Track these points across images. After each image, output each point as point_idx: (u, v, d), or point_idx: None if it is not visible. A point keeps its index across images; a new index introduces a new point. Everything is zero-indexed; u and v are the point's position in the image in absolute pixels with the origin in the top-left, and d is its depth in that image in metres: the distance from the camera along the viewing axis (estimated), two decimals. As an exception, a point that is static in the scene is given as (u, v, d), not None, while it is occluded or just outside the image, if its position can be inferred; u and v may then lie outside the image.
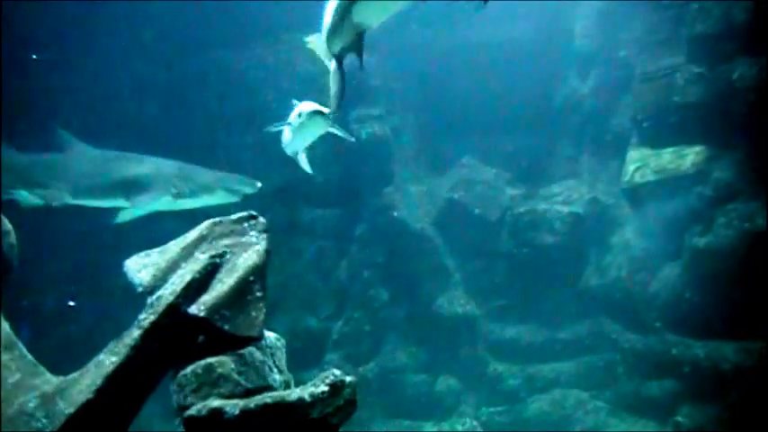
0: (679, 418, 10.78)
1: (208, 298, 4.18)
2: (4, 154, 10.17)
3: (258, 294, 4.25)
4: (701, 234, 11.03)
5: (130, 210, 10.55)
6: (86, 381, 4.09)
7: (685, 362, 11.01)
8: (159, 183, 10.34)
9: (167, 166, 10.60)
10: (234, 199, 10.51)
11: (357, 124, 13.16)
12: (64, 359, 4.57)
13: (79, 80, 13.03)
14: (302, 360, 10.91)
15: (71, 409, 3.99)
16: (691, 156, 11.49)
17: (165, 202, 10.43)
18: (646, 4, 12.73)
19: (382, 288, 12.73)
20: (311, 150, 9.67)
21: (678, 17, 12.21)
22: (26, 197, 10.16)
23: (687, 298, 11.16)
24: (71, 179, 10.41)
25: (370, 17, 6.23)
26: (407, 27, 14.08)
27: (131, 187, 10.32)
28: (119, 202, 10.40)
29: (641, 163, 11.93)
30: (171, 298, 4.18)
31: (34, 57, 12.25)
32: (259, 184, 10.60)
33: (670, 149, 11.75)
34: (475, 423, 12.01)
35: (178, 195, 10.34)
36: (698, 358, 10.86)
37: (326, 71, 7.36)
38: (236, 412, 3.83)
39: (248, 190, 10.53)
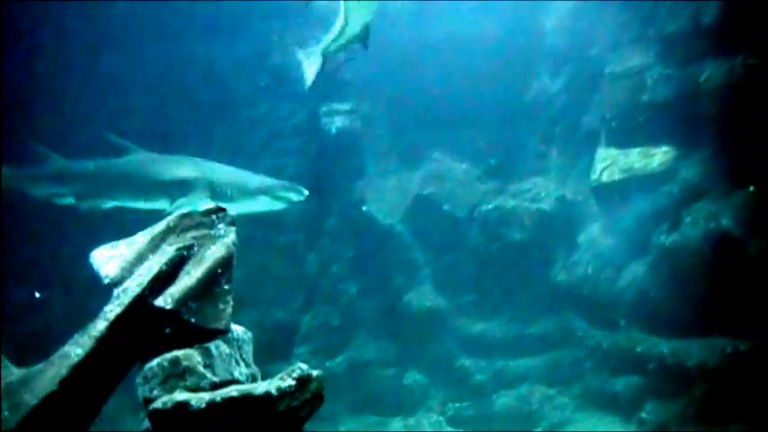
0: (644, 415, 10.89)
1: (175, 290, 4.16)
2: (53, 163, 10.76)
3: (226, 287, 4.24)
4: (667, 233, 11.14)
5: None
6: (51, 372, 4.04)
7: (651, 358, 11.12)
8: (200, 187, 10.31)
9: (212, 169, 10.58)
10: (279, 206, 10.50)
11: (327, 118, 13.17)
12: (30, 351, 4.54)
13: (49, 72, 12.91)
14: (270, 354, 10.85)
15: (34, 401, 3.94)
16: (658, 155, 11.60)
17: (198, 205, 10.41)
18: (617, 3, 12.85)
19: (351, 282, 12.74)
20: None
21: (649, 17, 12.34)
22: (74, 203, 10.60)
23: (653, 296, 11.28)
24: (117, 183, 10.62)
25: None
26: (379, 21, 14.08)
27: (173, 190, 10.33)
28: (161, 205, 10.36)
29: (609, 162, 12.04)
30: (137, 290, 4.16)
31: None
32: (306, 192, 10.52)
33: (638, 149, 11.87)
34: (441, 418, 12.06)
35: (218, 200, 10.17)
36: (663, 355, 10.98)
37: None
38: (202, 405, 3.81)
39: (294, 197, 10.49)
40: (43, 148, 11.19)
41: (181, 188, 10.29)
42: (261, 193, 10.41)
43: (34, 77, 12.59)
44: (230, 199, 10.30)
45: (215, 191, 10.26)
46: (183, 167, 10.58)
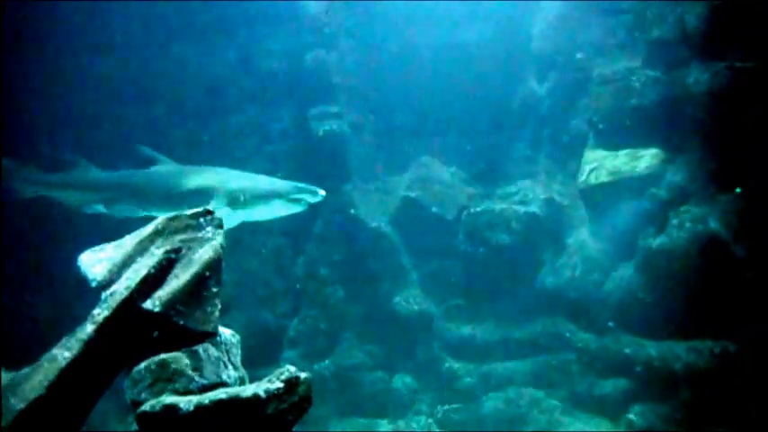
0: (632, 417, 10.91)
1: (163, 293, 4.16)
2: (83, 170, 11.03)
3: (214, 290, 4.25)
4: (654, 235, 11.19)
5: (231, 216, 10.54)
6: (38, 376, 4.03)
7: (638, 361, 11.16)
8: (218, 196, 10.28)
9: (232, 178, 10.54)
10: (297, 209, 10.40)
11: (316, 121, 13.17)
12: (17, 355, 4.52)
13: (34, 76, 12.87)
14: (258, 358, 10.82)
15: (22, 405, 3.93)
16: (645, 158, 11.64)
17: (224, 215, 10.39)
18: (603, 8, 12.90)
19: (339, 286, 12.72)
20: None
21: (635, 22, 12.40)
22: (102, 212, 10.71)
23: (640, 298, 11.31)
24: (142, 193, 10.71)
25: None
26: (368, 26, 14.12)
27: (193, 200, 10.19)
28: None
29: (597, 164, 12.07)
30: (125, 293, 4.16)
31: None
32: (322, 192, 10.42)
33: (625, 151, 11.91)
34: (430, 421, 12.05)
35: (236, 208, 10.27)
36: (650, 357, 11.02)
37: None
38: (191, 408, 3.81)
39: (310, 198, 10.38)
40: (74, 155, 11.39)
41: (200, 198, 10.29)
42: (275, 198, 10.32)
43: (21, 79, 12.56)
44: (246, 206, 10.30)
45: (232, 199, 10.25)
46: (203, 177, 10.62)
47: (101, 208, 10.79)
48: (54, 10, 12.59)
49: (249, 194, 10.28)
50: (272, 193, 10.35)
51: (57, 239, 11.67)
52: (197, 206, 10.04)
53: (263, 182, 10.58)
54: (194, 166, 11.08)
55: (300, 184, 10.51)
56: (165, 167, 10.99)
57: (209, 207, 9.78)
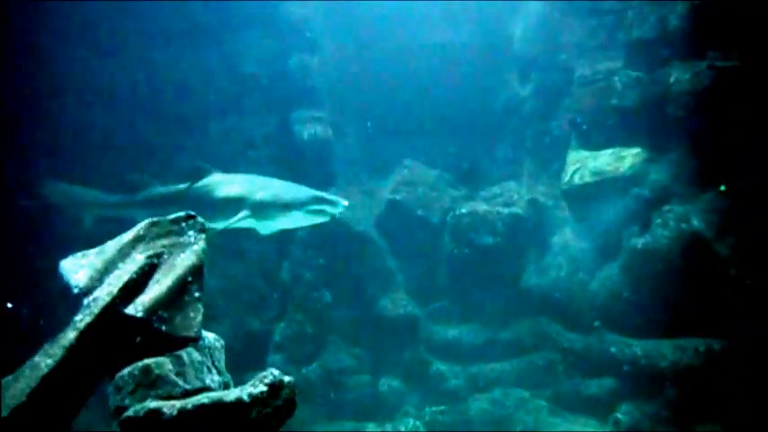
0: (619, 416, 10.93)
1: (145, 298, 4.15)
2: (151, 191, 11.23)
3: (196, 295, 4.23)
4: (638, 235, 11.25)
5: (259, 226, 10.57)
6: (20, 384, 4.01)
7: (624, 360, 11.20)
8: (244, 206, 10.25)
9: (258, 187, 10.48)
10: (319, 219, 10.31)
11: (299, 125, 13.16)
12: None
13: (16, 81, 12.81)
14: (244, 362, 10.80)
15: (4, 413, 3.91)
16: (628, 158, 11.69)
17: (251, 224, 10.47)
18: (584, 9, 12.94)
19: (325, 290, 12.70)
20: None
21: (616, 23, 12.46)
22: None
23: (625, 297, 11.36)
24: (190, 206, 10.52)
25: None
26: (350, 29, 14.13)
27: (224, 210, 10.32)
28: (217, 224, 10.38)
29: (580, 165, 12.11)
30: (107, 299, 4.14)
31: None
32: (345, 202, 10.31)
33: (608, 151, 11.96)
34: (418, 423, 12.03)
35: (258, 218, 10.29)
36: (636, 356, 11.06)
37: None
38: (174, 413, 3.80)
39: (331, 209, 10.24)
40: (141, 175, 11.59)
41: (230, 208, 10.33)
42: (294, 209, 10.21)
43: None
44: (268, 217, 10.31)
45: (255, 209, 10.24)
46: (234, 188, 10.58)
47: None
48: (33, 15, 12.53)
49: (270, 206, 10.25)
50: (293, 205, 10.23)
51: (38, 246, 11.59)
52: (229, 217, 10.17)
53: (287, 192, 10.43)
54: (235, 174, 11.05)
55: (322, 195, 10.41)
56: (212, 178, 10.97)
57: (233, 219, 10.00)
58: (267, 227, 10.61)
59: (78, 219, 11.54)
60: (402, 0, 13.75)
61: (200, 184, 10.93)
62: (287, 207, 10.23)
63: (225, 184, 10.74)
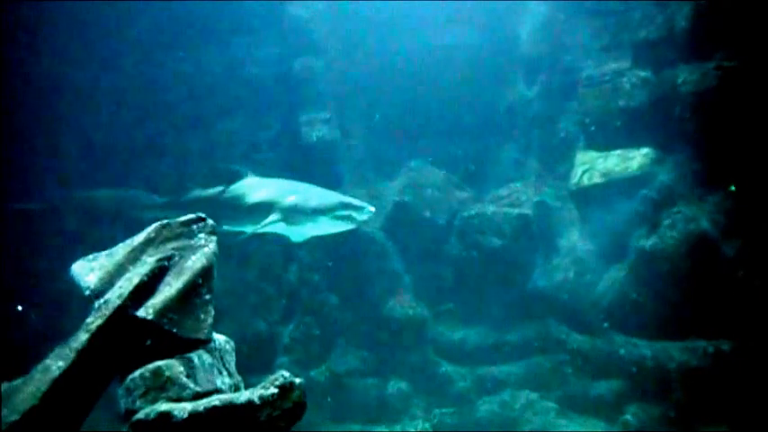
0: (627, 417, 10.90)
1: (156, 301, 4.15)
2: (192, 192, 11.56)
3: (206, 297, 4.23)
4: (646, 236, 11.21)
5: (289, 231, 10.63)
6: (31, 387, 4.01)
7: (632, 362, 11.17)
8: (275, 211, 10.29)
9: (289, 192, 10.49)
10: (346, 226, 10.28)
11: (306, 127, 13.18)
12: (8, 366, 4.49)
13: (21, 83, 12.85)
14: (253, 365, 10.79)
15: (15, 417, 3.91)
16: (637, 159, 11.67)
17: (281, 229, 10.54)
18: (590, 10, 12.93)
19: (332, 292, 12.71)
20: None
21: (621, 24, 12.45)
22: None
23: (633, 299, 11.32)
24: (225, 209, 10.84)
25: None
26: (355, 31, 14.14)
27: (256, 215, 10.42)
28: (247, 228, 10.49)
29: (589, 166, 12.09)
30: (118, 301, 4.14)
31: None
32: (371, 209, 10.24)
33: (617, 152, 11.94)
34: (426, 425, 12.03)
35: (288, 223, 10.30)
36: (644, 358, 11.03)
37: None
38: (185, 415, 3.80)
39: (357, 215, 10.18)
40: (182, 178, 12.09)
41: (261, 213, 10.39)
42: (320, 215, 10.17)
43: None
44: (296, 222, 10.30)
45: (284, 214, 10.25)
46: (267, 192, 10.64)
47: None
48: (41, 16, 12.57)
49: (298, 211, 10.23)
50: (319, 210, 10.19)
51: (47, 249, 11.63)
52: (260, 221, 10.18)
53: (315, 198, 10.37)
54: (269, 178, 11.11)
55: (349, 200, 10.36)
56: (244, 182, 11.08)
57: (268, 220, 10.05)
58: (296, 233, 10.65)
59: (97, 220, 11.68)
60: (407, 1, 13.76)
61: (233, 187, 11.04)
62: (314, 212, 10.19)
63: (257, 188, 10.80)
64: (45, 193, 12.48)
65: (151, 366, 4.07)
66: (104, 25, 13.03)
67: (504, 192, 13.52)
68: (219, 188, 11.18)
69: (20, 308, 12.04)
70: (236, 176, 11.11)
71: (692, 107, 10.97)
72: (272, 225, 10.25)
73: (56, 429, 4.06)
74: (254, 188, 10.82)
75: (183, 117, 13.45)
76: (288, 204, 10.25)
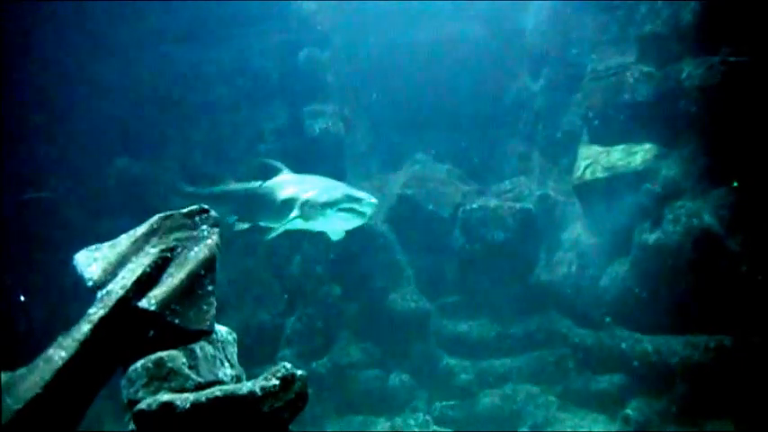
0: (629, 411, 10.91)
1: (158, 292, 4.16)
2: (223, 186, 11.75)
3: (209, 288, 4.24)
4: (649, 230, 11.19)
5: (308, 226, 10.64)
6: (35, 376, 4.03)
7: (634, 356, 11.17)
8: (295, 207, 10.32)
9: (307, 188, 10.48)
10: (356, 220, 10.24)
11: (310, 119, 13.18)
12: (12, 356, 4.51)
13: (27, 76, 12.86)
14: (255, 356, 10.87)
15: (19, 405, 3.93)
16: (640, 153, 11.64)
17: (299, 224, 10.52)
18: (596, 4, 12.89)
19: (335, 284, 12.72)
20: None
21: (628, 17, 12.40)
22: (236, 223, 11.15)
23: (636, 293, 11.31)
24: (256, 204, 11.02)
25: None
26: (360, 23, 14.13)
27: (281, 211, 10.45)
28: (272, 223, 10.60)
29: (592, 160, 12.06)
30: (121, 292, 4.16)
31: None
32: (374, 200, 10.20)
33: (620, 147, 11.90)
34: (427, 418, 12.05)
35: (305, 218, 10.29)
36: (647, 352, 11.03)
37: None
38: (187, 406, 3.81)
39: (359, 208, 10.10)
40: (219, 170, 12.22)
41: (286, 209, 10.42)
42: (328, 209, 10.10)
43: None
44: (311, 218, 10.27)
45: (302, 210, 10.25)
46: (291, 188, 10.65)
47: (232, 219, 11.10)
48: (48, 9, 12.57)
49: (311, 206, 10.20)
50: (327, 205, 10.14)
51: (51, 240, 11.64)
52: (285, 217, 10.10)
53: (326, 192, 10.30)
54: (303, 175, 11.12)
55: (351, 192, 10.28)
56: (279, 178, 11.10)
57: (290, 217, 10.11)
58: (318, 228, 10.69)
59: None
60: (413, -7, 13.77)
61: (268, 183, 11.06)
62: (323, 207, 10.16)
63: (287, 185, 10.81)
64: (51, 183, 12.52)
65: (153, 357, 4.09)
66: (111, 18, 13.02)
67: (507, 185, 13.53)
68: (255, 183, 11.23)
69: (23, 298, 12.07)
70: (271, 172, 11.13)
71: (697, 102, 10.93)
72: (293, 221, 10.25)
73: (59, 418, 4.08)
74: (284, 184, 10.82)
75: (188, 108, 13.44)
76: (304, 200, 10.26)
